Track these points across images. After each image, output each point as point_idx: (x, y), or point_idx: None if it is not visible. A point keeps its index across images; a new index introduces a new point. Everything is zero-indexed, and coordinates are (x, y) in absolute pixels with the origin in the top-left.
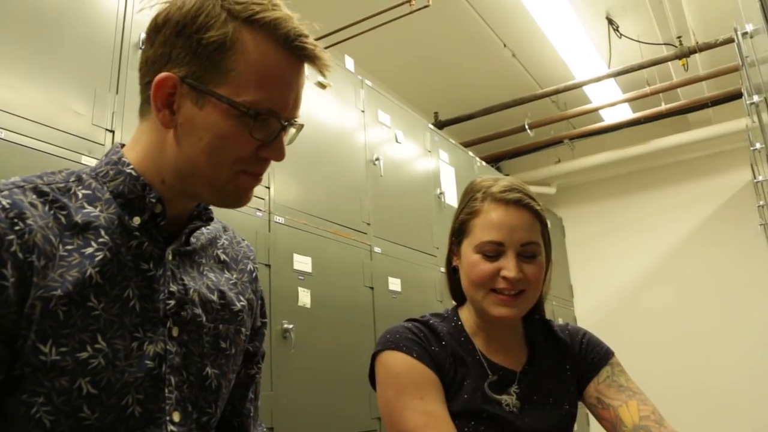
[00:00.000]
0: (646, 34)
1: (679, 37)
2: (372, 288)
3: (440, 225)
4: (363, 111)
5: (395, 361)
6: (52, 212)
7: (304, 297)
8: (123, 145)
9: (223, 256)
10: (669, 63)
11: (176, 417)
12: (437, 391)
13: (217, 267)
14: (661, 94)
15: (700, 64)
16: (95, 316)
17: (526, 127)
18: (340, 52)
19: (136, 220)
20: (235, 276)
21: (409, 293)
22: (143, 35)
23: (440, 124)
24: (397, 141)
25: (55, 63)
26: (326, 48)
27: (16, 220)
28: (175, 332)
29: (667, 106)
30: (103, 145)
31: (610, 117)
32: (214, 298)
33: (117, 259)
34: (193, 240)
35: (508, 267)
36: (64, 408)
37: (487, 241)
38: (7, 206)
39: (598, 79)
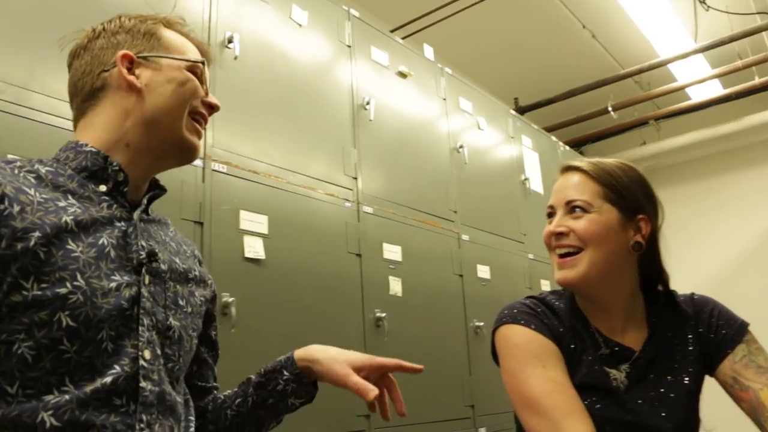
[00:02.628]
0: (735, 4)
1: None
2: (461, 276)
3: (526, 211)
4: (444, 99)
5: (515, 333)
6: (21, 174)
7: (396, 286)
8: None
9: (171, 245)
10: (763, 33)
11: (147, 354)
12: (558, 360)
13: (173, 240)
14: (754, 68)
15: None
16: (74, 257)
17: (610, 109)
18: (418, 42)
19: (102, 188)
20: (189, 250)
21: (498, 280)
22: (228, 33)
23: (521, 110)
24: (479, 128)
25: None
26: (404, 38)
27: None
28: (146, 280)
29: (761, 79)
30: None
31: (698, 94)
32: (178, 261)
33: (89, 214)
34: (151, 212)
35: (553, 222)
36: (45, 341)
37: (547, 206)
38: None
39: (685, 56)
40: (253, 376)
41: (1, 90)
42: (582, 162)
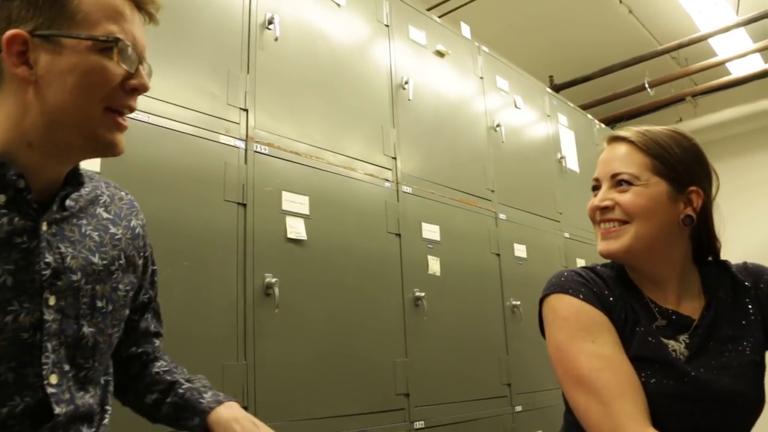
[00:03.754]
0: None
1: None
2: (498, 255)
3: (562, 190)
4: (482, 78)
5: (563, 304)
6: None
7: (434, 265)
8: None
9: (105, 214)
10: None
11: (53, 379)
12: (609, 332)
13: (100, 225)
14: None
15: None
16: None
17: (646, 85)
18: (452, 20)
19: (1, 198)
20: (120, 232)
21: (535, 259)
22: (269, 15)
23: (556, 88)
24: (516, 106)
25: (190, 49)
26: (441, 16)
27: None
28: (51, 301)
29: None
30: (238, 123)
31: (738, 69)
32: (96, 260)
33: None
34: (70, 203)
35: (597, 196)
36: None
37: (592, 178)
38: None
39: (726, 30)
40: (179, 389)
41: None
42: (629, 131)
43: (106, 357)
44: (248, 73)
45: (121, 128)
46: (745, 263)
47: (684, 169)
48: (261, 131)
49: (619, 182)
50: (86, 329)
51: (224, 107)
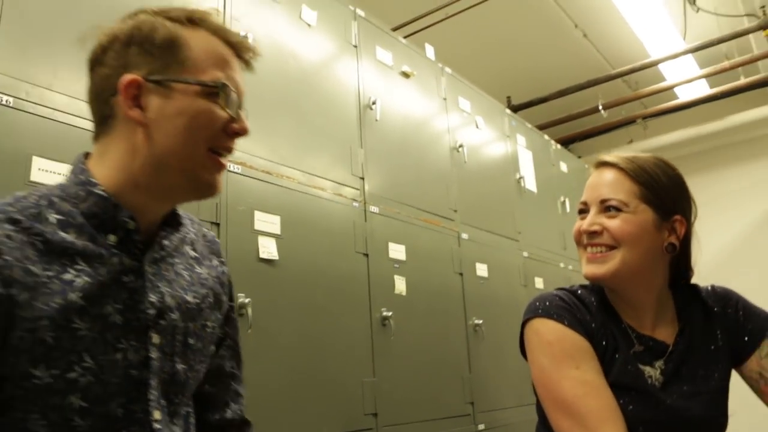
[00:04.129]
0: (724, 6)
1: (762, 7)
2: (461, 274)
3: (521, 210)
4: (445, 99)
5: (547, 329)
6: (28, 241)
7: (400, 285)
8: (87, 154)
9: (193, 253)
10: (750, 35)
11: (157, 415)
12: (592, 359)
13: (189, 264)
14: (740, 68)
15: None
16: (80, 337)
17: (600, 107)
18: (419, 41)
19: (112, 239)
20: (205, 271)
21: (496, 278)
22: (242, 34)
23: (514, 108)
24: (477, 127)
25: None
26: (405, 37)
27: None
28: (155, 339)
29: (746, 79)
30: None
31: (686, 94)
32: (189, 298)
33: (97, 280)
34: (166, 243)
35: (586, 220)
36: (58, 420)
37: (579, 202)
38: None
39: (675, 56)
40: None
41: (26, 92)
42: (618, 158)
43: (192, 392)
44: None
45: (221, 169)
46: (713, 287)
47: (669, 197)
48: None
49: (607, 208)
50: (179, 366)
51: None
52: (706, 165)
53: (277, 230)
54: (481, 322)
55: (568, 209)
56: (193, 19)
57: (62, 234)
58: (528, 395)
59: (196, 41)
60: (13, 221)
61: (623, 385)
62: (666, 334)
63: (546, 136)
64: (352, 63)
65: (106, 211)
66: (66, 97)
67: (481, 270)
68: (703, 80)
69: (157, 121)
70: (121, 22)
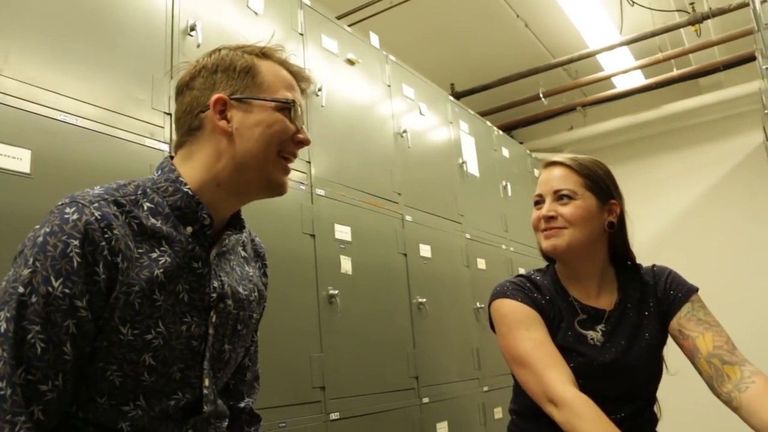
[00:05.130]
0: (657, 1)
1: (691, 3)
2: (405, 255)
3: (464, 193)
4: (389, 85)
5: (504, 305)
6: (128, 221)
7: (346, 264)
8: (172, 157)
9: (244, 254)
10: (681, 29)
11: (206, 383)
12: (540, 324)
13: (241, 262)
14: (672, 60)
15: (712, 29)
16: (158, 306)
17: (541, 96)
18: (364, 30)
19: (189, 230)
20: (252, 270)
21: (439, 259)
22: (191, 21)
23: (457, 95)
24: (420, 113)
25: (117, 55)
26: (350, 25)
27: (106, 230)
28: (214, 318)
29: (678, 71)
30: (163, 127)
31: (623, 84)
32: (240, 290)
33: (175, 262)
34: (226, 241)
35: (543, 209)
36: (131, 373)
37: (535, 195)
38: (99, 217)
39: (611, 48)
40: None
41: None
42: (563, 158)
43: (230, 372)
44: (171, 78)
45: (288, 171)
46: (653, 266)
47: (606, 186)
48: None
49: (560, 197)
50: (226, 346)
51: (149, 111)
52: (641, 152)
53: None
54: (424, 300)
55: (510, 193)
56: (264, 53)
57: (152, 219)
58: (469, 370)
59: (267, 68)
60: (118, 204)
61: (566, 347)
62: (607, 302)
63: (488, 123)
64: (299, 51)
65: (189, 206)
66: (16, 82)
67: (425, 251)
68: (639, 71)
69: (239, 130)
70: (206, 55)
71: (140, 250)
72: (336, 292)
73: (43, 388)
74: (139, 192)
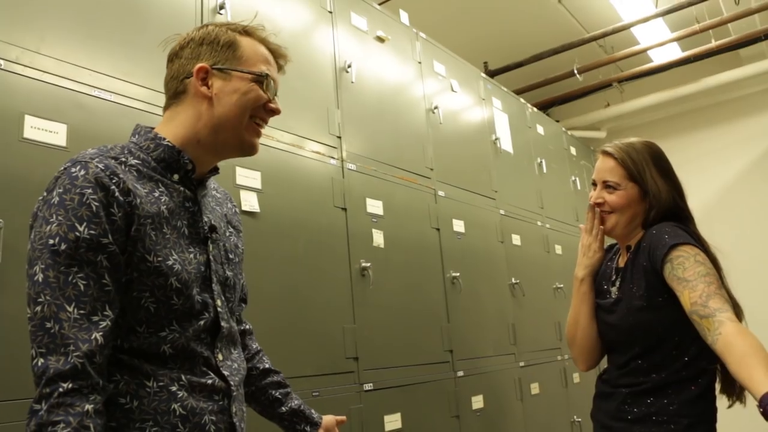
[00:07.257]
0: None
1: None
2: (438, 229)
3: (497, 169)
4: (420, 63)
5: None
6: (126, 169)
7: (378, 238)
8: (152, 129)
9: (216, 195)
10: None
11: (219, 303)
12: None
13: (216, 203)
14: (711, 31)
15: None
16: (167, 238)
17: (575, 72)
18: (394, 8)
19: (175, 177)
20: (223, 210)
21: (473, 234)
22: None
23: (490, 73)
24: (452, 90)
25: (148, 34)
26: (380, 4)
27: (112, 176)
28: (211, 248)
29: (717, 42)
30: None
31: (659, 57)
32: (222, 225)
33: (173, 201)
34: (208, 183)
35: (594, 194)
36: (162, 298)
37: (592, 179)
38: (104, 167)
39: (646, 20)
40: (292, 404)
41: (16, 55)
42: (614, 148)
43: (239, 298)
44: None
45: (259, 134)
46: (666, 223)
47: (651, 180)
48: None
49: (608, 186)
50: (228, 272)
51: None
52: (681, 127)
53: (257, 185)
54: (458, 274)
55: (545, 170)
56: (247, 30)
57: (144, 170)
58: (505, 345)
59: (248, 44)
60: (114, 158)
61: (598, 306)
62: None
63: (522, 100)
64: (328, 28)
65: (172, 156)
66: (53, 60)
67: (458, 225)
68: (675, 44)
69: (218, 95)
70: (195, 29)
71: (145, 190)
72: (368, 264)
73: (95, 318)
74: (126, 151)
